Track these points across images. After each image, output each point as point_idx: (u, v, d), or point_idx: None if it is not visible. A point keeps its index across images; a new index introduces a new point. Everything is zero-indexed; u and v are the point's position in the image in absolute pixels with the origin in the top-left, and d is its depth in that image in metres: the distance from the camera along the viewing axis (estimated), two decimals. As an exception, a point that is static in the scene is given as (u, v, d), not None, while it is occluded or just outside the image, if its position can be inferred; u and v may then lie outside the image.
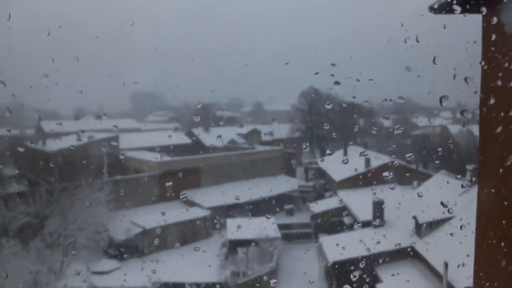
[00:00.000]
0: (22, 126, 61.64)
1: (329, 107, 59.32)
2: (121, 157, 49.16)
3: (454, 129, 59.03)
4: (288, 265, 31.74)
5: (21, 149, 42.35)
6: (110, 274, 30.14)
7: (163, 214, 30.80)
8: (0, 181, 44.85)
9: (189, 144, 61.94)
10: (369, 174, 39.15)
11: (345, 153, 49.11)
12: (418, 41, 4.77)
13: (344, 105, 57.59)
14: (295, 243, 35.81)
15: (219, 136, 58.42)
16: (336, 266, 26.42)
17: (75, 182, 35.15)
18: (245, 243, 31.69)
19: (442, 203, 24.71)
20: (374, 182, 37.48)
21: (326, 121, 65.13)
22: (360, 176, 39.50)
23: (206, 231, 38.85)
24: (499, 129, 3.46)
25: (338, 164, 43.31)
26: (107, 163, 46.03)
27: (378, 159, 41.80)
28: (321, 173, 50.89)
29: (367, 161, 41.15)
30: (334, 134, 62.49)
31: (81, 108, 79.67)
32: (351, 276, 25.43)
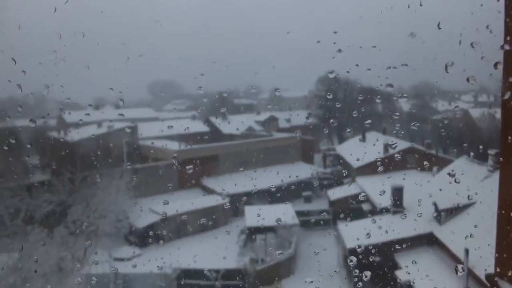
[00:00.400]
0: (44, 117, 62.80)
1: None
2: (139, 145, 49.78)
3: (476, 113, 57.54)
4: (306, 252, 31.85)
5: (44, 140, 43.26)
6: (131, 260, 30.78)
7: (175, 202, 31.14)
8: (25, 171, 45.93)
9: (207, 132, 62.29)
10: (388, 160, 38.77)
11: (363, 139, 48.69)
12: (421, 5, 4.63)
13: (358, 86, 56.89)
14: (313, 230, 35.86)
15: (237, 129, 58.46)
16: (355, 253, 26.39)
17: (96, 171, 35.83)
18: (263, 230, 31.88)
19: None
20: (393, 168, 37.14)
21: (344, 106, 64.56)
22: (379, 162, 39.16)
23: (225, 218, 39.22)
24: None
25: (356, 150, 43.03)
26: (126, 152, 46.70)
27: (397, 145, 41.27)
28: (339, 160, 50.62)
29: (386, 147, 40.70)
30: (352, 120, 61.93)
31: (100, 98, 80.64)
32: (369, 262, 25.44)
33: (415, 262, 23.25)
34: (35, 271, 24.29)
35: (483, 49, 3.58)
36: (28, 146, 43.14)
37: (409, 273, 22.80)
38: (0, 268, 23.79)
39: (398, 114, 61.52)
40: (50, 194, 32.42)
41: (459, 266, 18.45)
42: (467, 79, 3.73)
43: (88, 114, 50.24)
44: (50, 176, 49.77)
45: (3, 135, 38.21)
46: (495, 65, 3.52)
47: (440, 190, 27.29)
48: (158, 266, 26.70)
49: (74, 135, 48.86)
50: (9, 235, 26.65)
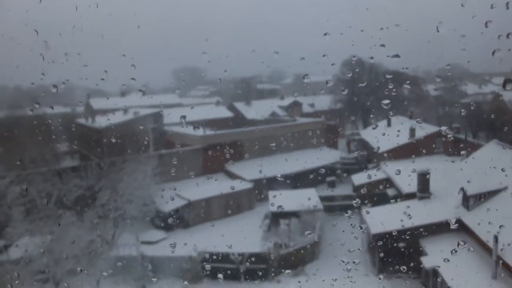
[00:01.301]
0: (73, 104, 64.33)
1: (389, 76, 57.48)
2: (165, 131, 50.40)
3: (508, 95, 55.58)
4: (330, 237, 31.86)
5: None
6: (158, 244, 31.49)
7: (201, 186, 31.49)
8: (55, 157, 47.32)
9: (231, 118, 62.50)
10: (414, 145, 38.10)
11: (389, 124, 47.93)
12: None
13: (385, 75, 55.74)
14: (338, 215, 35.77)
15: (262, 116, 58.38)
16: (379, 238, 26.26)
17: (123, 156, 36.57)
18: (287, 215, 32.01)
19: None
20: (420, 153, 36.51)
21: (369, 90, 63.49)
22: (405, 147, 38.53)
23: (249, 203, 39.54)
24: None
25: (382, 135, 42.41)
26: (152, 138, 47.40)
27: (423, 129, 40.48)
28: (364, 145, 50.05)
29: (412, 132, 39.97)
30: (376, 104, 60.91)
31: (126, 84, 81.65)
32: (394, 248, 25.30)
33: (442, 247, 22.96)
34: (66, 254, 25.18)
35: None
36: (57, 133, 44.27)
37: (435, 260, 22.57)
38: (34, 249, 24.79)
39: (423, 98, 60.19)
40: (80, 179, 33.38)
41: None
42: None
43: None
44: (79, 161, 51.18)
45: (34, 122, 39.40)
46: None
47: (469, 175, 26.75)
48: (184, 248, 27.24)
49: (101, 122, 49.87)
50: (41, 218, 27.65)
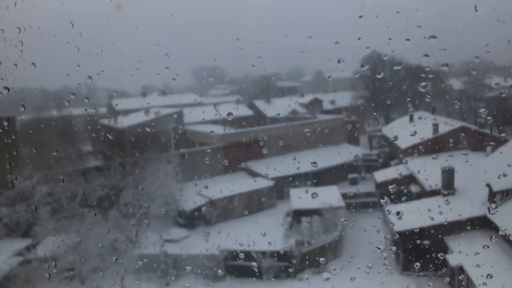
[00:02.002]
0: (96, 105, 65.45)
1: (398, 67, 56.38)
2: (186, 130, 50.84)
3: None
4: (352, 235, 31.60)
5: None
6: (180, 242, 31.80)
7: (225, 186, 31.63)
8: (80, 157, 48.30)
9: (251, 116, 62.53)
10: (438, 141, 37.38)
11: (411, 119, 47.18)
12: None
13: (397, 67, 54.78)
14: (360, 213, 35.45)
15: (278, 114, 58.13)
16: (402, 236, 25.90)
17: (145, 155, 37.08)
18: (309, 212, 31.89)
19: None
20: (443, 149, 35.82)
21: (390, 86, 62.61)
22: (428, 143, 37.85)
23: (270, 201, 39.53)
24: None
25: (404, 131, 41.78)
26: (173, 137, 47.88)
27: (447, 125, 39.67)
28: (386, 141, 49.42)
29: (435, 127, 39.22)
30: (398, 99, 60.09)
31: (147, 85, 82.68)
32: (419, 245, 24.93)
33: (468, 245, 22.50)
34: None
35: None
36: (81, 134, 45.21)
37: (460, 257, 22.15)
38: (60, 247, 25.37)
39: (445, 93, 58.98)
40: (103, 178, 34.01)
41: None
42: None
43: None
44: (102, 161, 52.08)
45: (59, 123, 40.28)
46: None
47: (495, 171, 26.10)
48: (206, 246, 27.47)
49: (124, 122, 50.60)
50: (67, 217, 28.29)
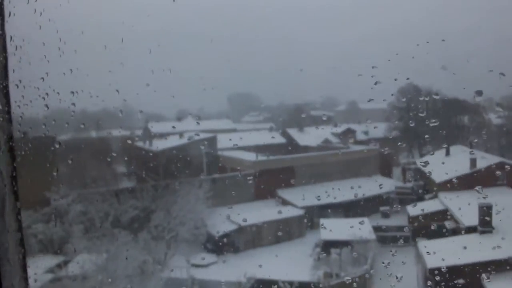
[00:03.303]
0: (131, 127, 67.36)
1: (437, 97, 55.52)
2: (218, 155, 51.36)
3: None
4: (383, 269, 30.63)
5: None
6: (208, 267, 31.72)
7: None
8: (113, 178, 49.54)
9: (284, 144, 62.66)
10: (475, 176, 36.17)
11: (448, 153, 45.97)
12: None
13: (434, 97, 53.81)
14: (391, 247, 34.43)
15: (315, 142, 58.23)
16: (436, 273, 24.88)
17: (177, 179, 37.63)
18: (338, 244, 31.26)
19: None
20: (481, 185, 34.58)
21: (426, 118, 61.47)
22: (465, 178, 36.69)
23: (300, 230, 39.03)
24: None
25: (440, 165, 40.70)
26: (205, 162, 48.48)
27: (485, 159, 38.43)
28: (421, 174, 48.22)
29: (473, 162, 38.05)
30: (435, 133, 58.74)
31: (183, 109, 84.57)
32: (453, 284, 23.87)
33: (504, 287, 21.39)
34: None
35: None
36: (116, 155, 46.45)
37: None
38: (90, 266, 25.82)
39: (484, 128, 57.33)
40: (135, 200, 34.68)
41: None
42: None
43: (174, 127, 53.02)
44: (135, 183, 53.18)
45: (96, 144, 41.64)
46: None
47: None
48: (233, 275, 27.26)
49: (158, 145, 51.74)
50: (98, 237, 28.85)
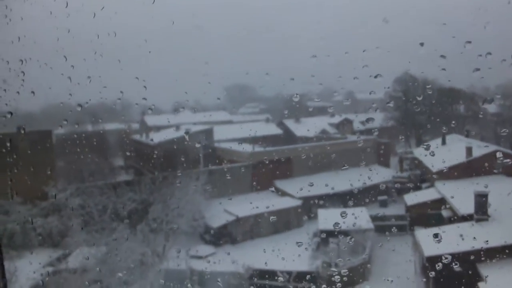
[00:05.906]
0: (128, 121, 67.26)
1: (429, 92, 55.64)
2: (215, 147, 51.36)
3: None
4: (381, 258, 30.89)
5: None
6: (206, 258, 31.91)
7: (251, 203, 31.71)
8: (111, 171, 49.56)
9: (280, 135, 62.73)
10: (471, 165, 36.37)
11: (444, 142, 46.16)
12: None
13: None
14: (389, 236, 34.68)
15: (311, 133, 58.23)
16: (432, 261, 25.12)
17: (175, 172, 37.66)
18: (337, 233, 31.44)
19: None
20: (477, 173, 34.79)
21: (423, 108, 61.62)
22: (461, 167, 36.89)
23: (298, 220, 39.22)
24: None
25: (436, 154, 40.87)
26: (202, 154, 48.49)
27: (481, 148, 38.60)
28: (417, 163, 48.43)
29: (469, 151, 38.23)
30: (431, 122, 58.96)
31: (179, 102, 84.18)
32: (449, 272, 24.09)
33: (503, 274, 21.65)
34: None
35: None
36: (113, 148, 46.46)
37: (494, 286, 21.28)
38: (90, 259, 25.92)
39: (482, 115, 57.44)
40: (133, 193, 34.72)
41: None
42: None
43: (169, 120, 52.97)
44: (133, 176, 53.24)
45: (93, 137, 41.55)
46: None
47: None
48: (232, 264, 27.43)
49: (155, 138, 51.69)
50: (97, 230, 28.94)
